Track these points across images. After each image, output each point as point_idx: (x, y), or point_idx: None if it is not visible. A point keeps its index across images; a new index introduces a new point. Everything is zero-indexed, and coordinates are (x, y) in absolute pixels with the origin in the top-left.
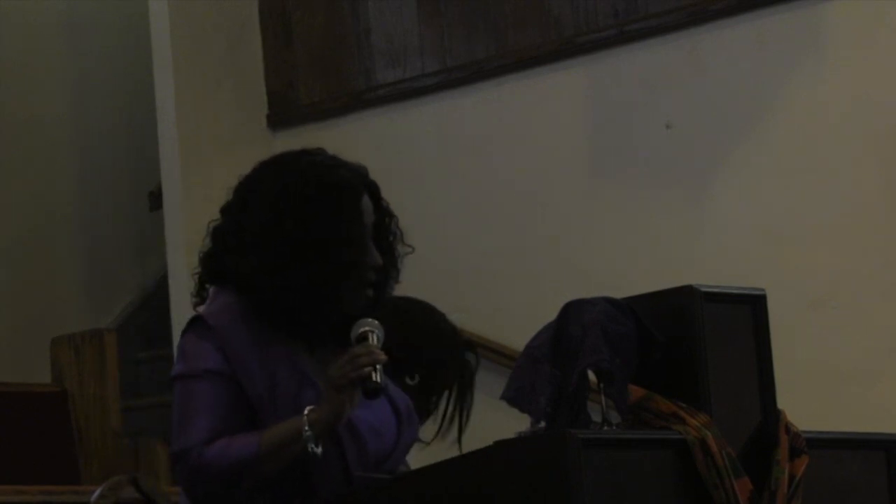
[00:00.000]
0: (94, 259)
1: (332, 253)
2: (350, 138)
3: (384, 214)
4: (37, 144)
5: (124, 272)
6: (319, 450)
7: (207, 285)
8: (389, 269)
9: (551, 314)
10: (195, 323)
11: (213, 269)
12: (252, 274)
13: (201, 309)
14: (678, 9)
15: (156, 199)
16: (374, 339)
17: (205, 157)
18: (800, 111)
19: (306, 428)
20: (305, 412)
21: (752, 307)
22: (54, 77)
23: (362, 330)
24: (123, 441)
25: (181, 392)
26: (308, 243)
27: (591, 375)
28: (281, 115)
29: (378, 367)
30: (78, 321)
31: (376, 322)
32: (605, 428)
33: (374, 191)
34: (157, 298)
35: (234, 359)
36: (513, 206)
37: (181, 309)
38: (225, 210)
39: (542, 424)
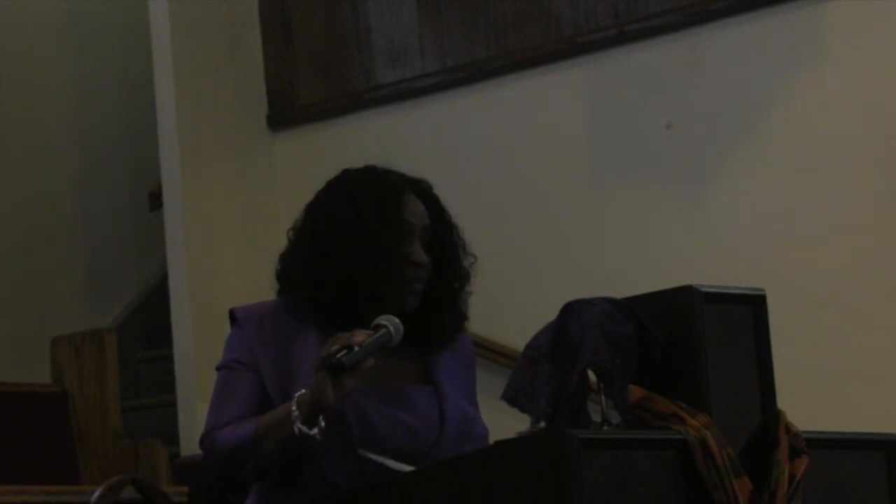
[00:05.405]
0: (94, 259)
1: (365, 246)
2: (350, 138)
3: (441, 222)
4: (37, 144)
5: (124, 272)
6: (314, 431)
7: None
8: (451, 277)
9: (551, 314)
10: (230, 317)
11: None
12: (294, 270)
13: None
14: (678, 9)
15: (156, 199)
16: (382, 333)
17: (205, 157)
18: (800, 111)
19: (293, 408)
20: (296, 395)
21: (752, 307)
22: (54, 77)
23: (375, 322)
24: (123, 441)
25: (216, 381)
26: (345, 238)
27: (591, 375)
28: (281, 115)
29: (355, 347)
30: (78, 321)
31: (396, 320)
32: (605, 428)
33: (428, 197)
34: (157, 298)
35: (256, 351)
36: (513, 205)
37: (181, 309)
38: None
39: (542, 424)
